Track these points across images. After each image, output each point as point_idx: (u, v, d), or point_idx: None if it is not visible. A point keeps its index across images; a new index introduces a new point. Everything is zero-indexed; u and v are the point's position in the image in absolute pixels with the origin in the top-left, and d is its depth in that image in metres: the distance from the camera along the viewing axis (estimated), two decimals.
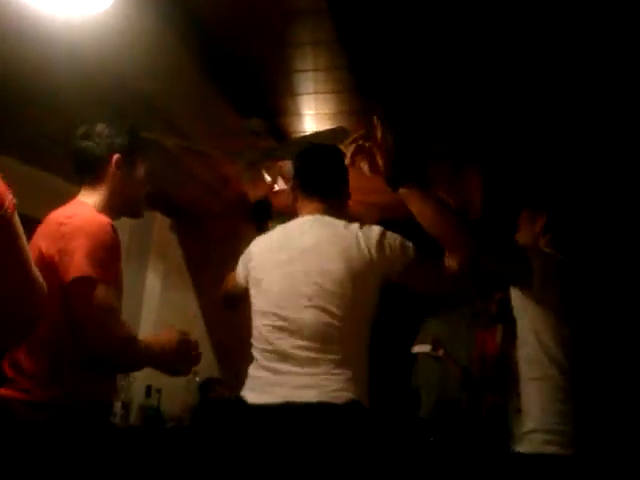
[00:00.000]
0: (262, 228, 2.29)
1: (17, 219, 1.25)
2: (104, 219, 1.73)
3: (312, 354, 1.72)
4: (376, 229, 1.84)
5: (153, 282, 4.26)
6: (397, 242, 1.83)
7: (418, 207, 1.73)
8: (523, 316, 1.93)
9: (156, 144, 2.67)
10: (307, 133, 2.91)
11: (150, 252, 4.25)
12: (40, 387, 1.61)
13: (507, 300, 2.09)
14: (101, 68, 2.24)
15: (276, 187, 3.11)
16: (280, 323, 1.78)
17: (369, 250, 1.78)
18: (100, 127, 1.86)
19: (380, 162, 1.72)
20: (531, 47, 2.29)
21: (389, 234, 1.83)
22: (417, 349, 3.98)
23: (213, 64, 2.39)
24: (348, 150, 1.77)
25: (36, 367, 1.63)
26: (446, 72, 2.48)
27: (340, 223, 1.86)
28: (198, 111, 2.67)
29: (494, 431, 3.24)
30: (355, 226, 1.84)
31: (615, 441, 1.86)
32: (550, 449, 1.75)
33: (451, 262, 1.86)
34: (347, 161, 1.79)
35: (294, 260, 1.81)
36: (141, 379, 3.98)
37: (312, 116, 2.83)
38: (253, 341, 1.86)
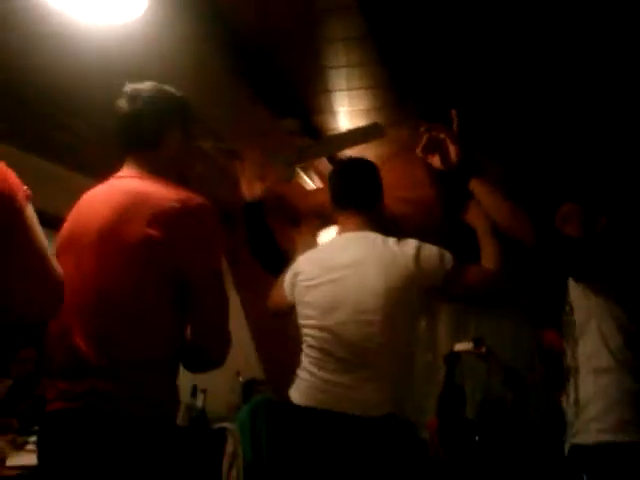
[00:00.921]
0: (257, 243, 2.24)
1: (31, 210, 1.23)
2: (208, 202, 1.55)
3: (353, 366, 1.80)
4: (412, 243, 1.88)
5: None
6: (434, 253, 1.87)
7: (487, 198, 1.78)
8: (583, 308, 1.91)
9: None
10: (342, 130, 2.90)
11: None
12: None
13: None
14: (133, 74, 2.28)
15: (312, 185, 3.11)
16: (324, 335, 1.86)
17: (407, 265, 1.83)
18: (153, 88, 1.63)
19: (454, 153, 1.77)
20: (559, 48, 2.25)
21: (425, 246, 1.88)
22: (459, 347, 3.94)
23: (245, 65, 2.41)
24: (419, 141, 1.80)
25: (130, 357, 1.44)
26: (477, 64, 2.44)
27: (378, 239, 1.91)
28: (232, 113, 2.70)
29: (543, 428, 3.18)
30: (392, 241, 1.89)
31: None
32: (606, 437, 1.74)
33: (488, 264, 1.91)
34: (418, 151, 1.82)
35: (337, 277, 1.89)
36: (187, 379, 4.04)
37: (346, 113, 2.82)
38: (302, 346, 1.95)
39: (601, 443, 1.74)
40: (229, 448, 3.87)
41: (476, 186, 1.79)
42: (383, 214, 2.06)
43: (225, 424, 3.93)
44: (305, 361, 1.92)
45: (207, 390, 4.07)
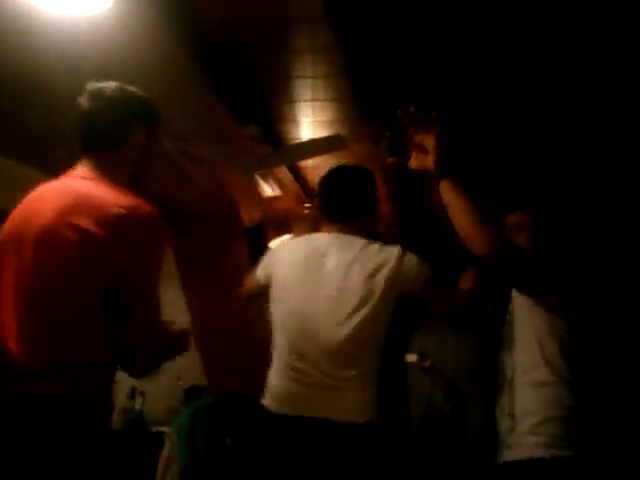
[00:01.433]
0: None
1: None
2: (156, 211, 1.52)
3: (331, 370, 1.79)
4: (395, 249, 1.88)
5: None
6: (414, 262, 1.87)
7: (454, 201, 1.78)
8: (525, 322, 1.90)
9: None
10: (303, 140, 2.90)
11: None
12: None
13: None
14: (98, 69, 2.22)
15: (270, 193, 3.09)
16: (301, 338, 1.83)
17: (389, 269, 1.83)
18: (117, 87, 1.58)
19: (434, 154, 1.80)
20: (530, 51, 2.30)
21: (408, 254, 1.88)
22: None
23: (211, 69, 2.37)
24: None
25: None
26: (445, 78, 2.48)
27: (361, 242, 1.90)
28: (196, 116, 2.65)
29: (482, 441, 3.24)
30: (375, 246, 1.89)
31: (611, 444, 1.88)
32: (539, 452, 1.74)
33: (465, 283, 1.96)
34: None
35: (316, 279, 1.86)
36: (126, 381, 3.95)
37: (309, 123, 2.81)
38: (274, 350, 1.91)
39: (534, 458, 1.74)
40: (165, 452, 3.81)
41: (445, 187, 1.80)
42: (372, 226, 2.03)
43: (163, 428, 3.87)
44: (280, 365, 1.88)
45: (146, 393, 3.99)
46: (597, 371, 1.92)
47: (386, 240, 1.97)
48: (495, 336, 2.05)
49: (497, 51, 2.30)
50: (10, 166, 2.97)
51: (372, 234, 1.98)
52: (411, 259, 1.87)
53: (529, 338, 1.87)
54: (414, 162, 1.86)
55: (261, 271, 2.03)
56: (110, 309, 1.48)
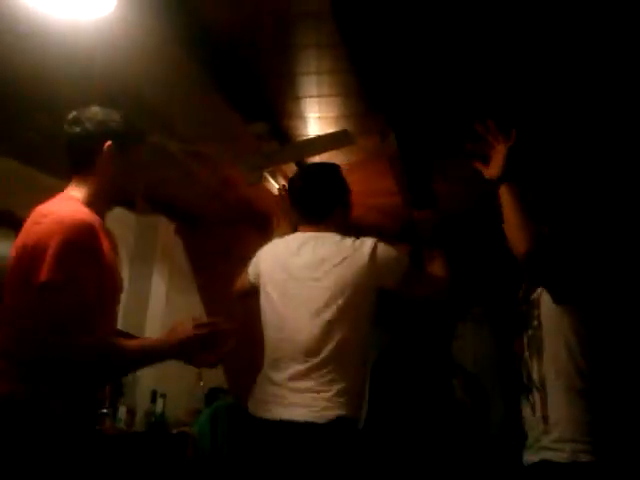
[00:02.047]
0: None
1: None
2: (80, 218, 1.61)
3: (306, 368, 1.81)
4: (369, 242, 1.89)
5: (158, 285, 4.27)
6: (390, 253, 1.89)
7: (507, 204, 1.85)
8: (554, 328, 1.93)
9: (159, 148, 2.67)
10: (311, 136, 2.89)
11: (155, 256, 4.26)
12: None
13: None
14: (102, 73, 2.25)
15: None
16: (281, 336, 1.88)
17: (363, 264, 1.85)
18: (91, 112, 1.77)
19: (499, 164, 1.90)
20: (534, 50, 2.28)
21: (382, 246, 1.90)
22: None
23: (215, 67, 2.38)
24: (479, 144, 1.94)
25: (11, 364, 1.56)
26: (451, 74, 2.46)
27: (334, 238, 1.94)
28: (200, 115, 2.67)
29: (503, 436, 3.22)
30: (349, 240, 1.91)
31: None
32: (580, 457, 1.78)
33: (434, 268, 1.99)
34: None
35: (291, 278, 1.91)
36: (147, 384, 3.99)
37: (316, 119, 2.81)
38: (265, 349, 1.97)
39: (577, 462, 1.78)
40: (188, 453, 3.83)
41: (504, 192, 1.87)
42: (346, 217, 2.08)
43: (185, 429, 3.90)
44: (265, 364, 1.94)
45: (167, 395, 4.01)
46: (624, 377, 1.93)
47: (392, 231, 1.99)
48: (518, 330, 2.05)
49: (500, 49, 2.28)
50: (15, 168, 3.01)
51: (347, 227, 2.03)
52: (387, 253, 1.89)
53: (559, 345, 1.90)
54: (489, 170, 1.93)
55: (251, 274, 2.12)
56: None
